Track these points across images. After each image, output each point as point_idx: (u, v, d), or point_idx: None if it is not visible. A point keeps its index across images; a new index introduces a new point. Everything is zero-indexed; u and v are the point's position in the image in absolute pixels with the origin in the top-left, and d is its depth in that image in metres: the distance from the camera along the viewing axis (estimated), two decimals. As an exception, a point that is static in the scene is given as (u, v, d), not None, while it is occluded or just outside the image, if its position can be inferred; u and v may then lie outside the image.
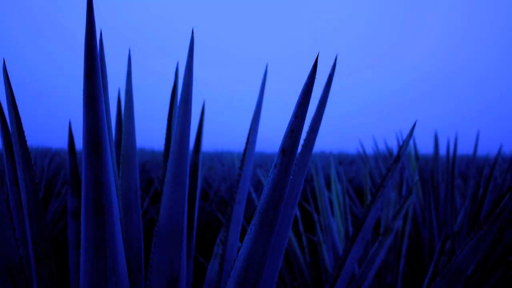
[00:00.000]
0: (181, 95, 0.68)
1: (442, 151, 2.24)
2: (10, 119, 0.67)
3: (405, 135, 2.66)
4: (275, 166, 0.45)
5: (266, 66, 0.90)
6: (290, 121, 0.45)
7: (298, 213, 1.65)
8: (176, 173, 0.68)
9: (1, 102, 0.70)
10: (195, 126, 0.93)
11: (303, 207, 4.65)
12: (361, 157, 2.77)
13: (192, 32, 0.67)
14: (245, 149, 0.84)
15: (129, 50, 0.83)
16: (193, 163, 0.91)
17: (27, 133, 0.68)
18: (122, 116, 0.80)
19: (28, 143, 0.68)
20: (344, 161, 9.49)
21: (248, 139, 0.84)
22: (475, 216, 1.99)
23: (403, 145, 0.83)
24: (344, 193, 1.51)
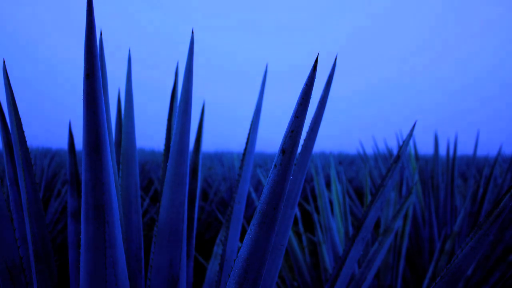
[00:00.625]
0: (181, 95, 0.68)
1: (442, 151, 2.24)
2: (10, 119, 0.67)
3: (405, 135, 2.66)
4: (275, 166, 0.45)
5: (266, 66, 0.90)
6: (290, 121, 0.45)
7: (298, 213, 1.65)
8: (176, 173, 0.68)
9: (1, 102, 0.70)
10: (195, 126, 0.93)
11: (303, 207, 4.66)
12: (361, 157, 2.78)
13: (192, 33, 0.67)
14: (245, 149, 0.84)
15: (129, 50, 0.83)
16: (193, 163, 0.91)
17: (27, 133, 0.68)
18: (122, 116, 0.80)
19: (28, 143, 0.68)
20: (344, 161, 9.49)
21: (248, 139, 0.84)
22: (475, 216, 1.99)
23: (403, 145, 0.83)
24: (344, 193, 1.51)
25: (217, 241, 1.13)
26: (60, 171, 3.77)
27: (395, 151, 2.64)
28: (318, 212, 4.47)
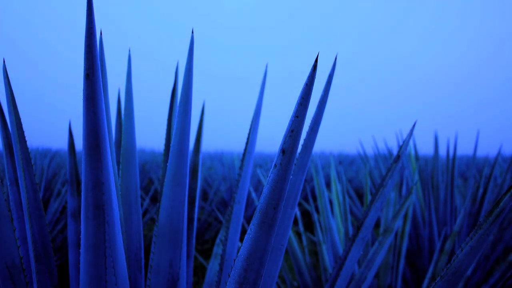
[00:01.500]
0: (181, 95, 0.68)
1: (442, 151, 2.24)
2: (10, 119, 0.67)
3: (405, 135, 2.66)
4: (275, 166, 0.45)
5: (266, 66, 0.90)
6: (290, 121, 0.45)
7: (298, 213, 1.65)
8: (176, 173, 0.68)
9: (1, 102, 0.70)
10: (195, 126, 0.93)
11: (303, 207, 4.65)
12: (361, 157, 2.78)
13: (192, 32, 0.67)
14: (245, 149, 0.84)
15: (129, 50, 0.83)
16: (193, 163, 0.91)
17: (27, 133, 0.68)
18: (122, 116, 0.80)
19: (28, 143, 0.68)
20: (344, 161, 9.49)
21: (248, 139, 0.84)
22: (475, 216, 1.99)
23: (403, 145, 0.83)
24: (344, 193, 1.51)
25: (217, 241, 1.13)
26: (60, 171, 3.77)
27: (395, 151, 2.63)
28: (318, 212, 4.47)
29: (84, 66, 0.45)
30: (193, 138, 0.92)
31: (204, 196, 4.68)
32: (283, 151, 0.44)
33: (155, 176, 4.91)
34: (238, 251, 0.52)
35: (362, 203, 3.51)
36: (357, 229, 0.83)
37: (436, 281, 0.53)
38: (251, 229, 0.46)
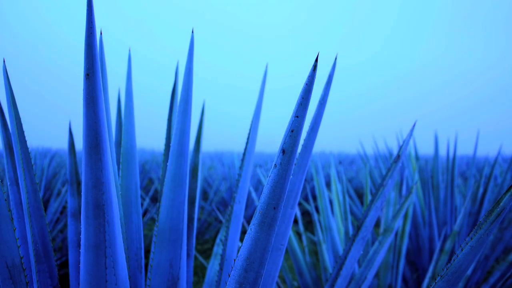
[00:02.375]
0: (181, 95, 0.68)
1: (442, 151, 2.24)
2: (10, 119, 0.67)
3: (405, 135, 2.66)
4: (275, 166, 0.45)
5: (266, 66, 0.90)
6: (290, 121, 0.45)
7: (298, 213, 1.65)
8: (176, 173, 0.68)
9: (1, 102, 0.70)
10: (195, 126, 0.93)
11: (303, 207, 4.66)
12: (361, 157, 2.78)
13: (192, 32, 0.67)
14: (245, 149, 0.84)
15: (129, 50, 0.83)
16: (193, 163, 0.91)
17: (27, 133, 0.68)
18: (122, 116, 0.80)
19: (28, 143, 0.68)
20: (344, 161, 9.50)
21: (248, 139, 0.84)
22: (475, 215, 1.99)
23: (403, 145, 0.83)
24: (344, 193, 1.51)
25: (217, 240, 1.13)
26: (60, 171, 3.77)
27: (395, 151, 2.64)
28: (318, 212, 4.47)
29: (84, 66, 0.45)
30: (193, 138, 0.92)
31: (204, 196, 4.68)
32: (283, 151, 0.44)
33: (155, 176, 4.91)
34: (238, 251, 0.52)
35: (362, 203, 3.51)
36: (357, 228, 0.83)
37: (436, 281, 0.53)
38: (251, 229, 0.46)
